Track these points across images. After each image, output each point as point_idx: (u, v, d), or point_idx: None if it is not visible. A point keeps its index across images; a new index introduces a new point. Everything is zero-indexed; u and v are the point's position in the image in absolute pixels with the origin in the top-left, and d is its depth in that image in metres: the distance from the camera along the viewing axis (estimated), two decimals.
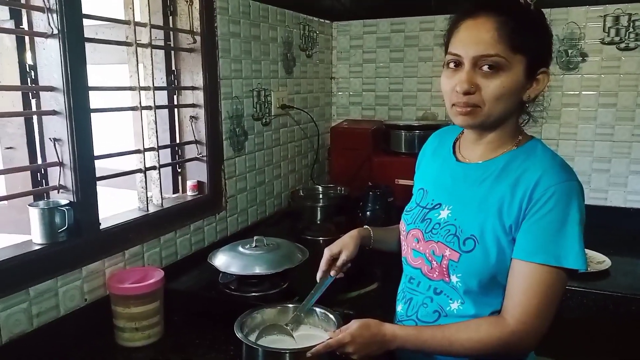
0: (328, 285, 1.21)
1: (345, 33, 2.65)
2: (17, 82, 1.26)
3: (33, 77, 1.26)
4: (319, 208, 2.15)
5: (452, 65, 1.01)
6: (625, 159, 2.20)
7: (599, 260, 1.81)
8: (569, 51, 2.20)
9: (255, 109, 1.98)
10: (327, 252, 1.23)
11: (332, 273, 1.22)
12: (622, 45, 2.13)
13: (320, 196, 2.33)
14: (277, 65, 2.13)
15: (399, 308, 1.17)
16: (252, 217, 2.01)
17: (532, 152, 1.03)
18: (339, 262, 1.22)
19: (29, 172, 1.30)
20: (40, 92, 1.26)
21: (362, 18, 2.59)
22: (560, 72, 2.23)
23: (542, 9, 1.01)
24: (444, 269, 1.04)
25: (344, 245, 1.23)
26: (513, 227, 0.98)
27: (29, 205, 1.22)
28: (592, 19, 2.16)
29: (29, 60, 1.26)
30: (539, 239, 0.95)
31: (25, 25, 1.25)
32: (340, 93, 2.73)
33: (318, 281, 1.22)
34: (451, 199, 1.08)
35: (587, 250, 0.96)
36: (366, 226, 1.31)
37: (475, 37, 0.96)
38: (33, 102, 1.28)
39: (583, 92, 2.23)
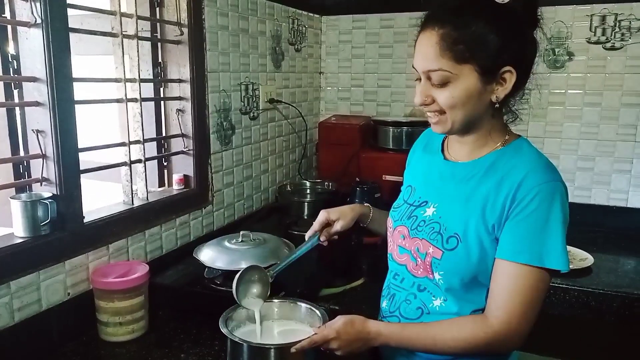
0: (312, 246, 1.23)
1: (334, 28, 2.64)
2: None
3: (15, 67, 1.23)
4: (306, 203, 2.16)
5: (416, 77, 1.03)
6: (609, 157, 2.23)
7: (582, 258, 1.84)
8: (556, 50, 2.22)
9: (243, 103, 1.97)
10: (324, 215, 1.25)
11: (322, 239, 1.24)
12: (608, 45, 2.15)
13: (308, 191, 2.34)
14: (265, 59, 2.12)
15: (384, 304, 1.18)
16: (238, 212, 2.00)
17: (518, 151, 1.03)
18: (332, 230, 1.24)
19: (10, 164, 1.28)
20: (23, 83, 1.23)
21: (352, 13, 2.59)
22: (547, 71, 2.25)
23: None
24: (428, 266, 1.04)
25: (342, 215, 1.25)
26: (496, 227, 0.98)
27: (10, 197, 1.20)
28: (579, 18, 2.18)
29: (11, 50, 1.23)
30: (522, 239, 0.95)
31: (7, 14, 1.22)
32: (328, 88, 2.72)
33: (306, 239, 1.23)
34: (437, 196, 1.09)
35: (570, 248, 0.97)
36: (367, 204, 1.32)
37: (422, 52, 0.98)
38: (15, 92, 1.26)
39: (569, 91, 2.25)
